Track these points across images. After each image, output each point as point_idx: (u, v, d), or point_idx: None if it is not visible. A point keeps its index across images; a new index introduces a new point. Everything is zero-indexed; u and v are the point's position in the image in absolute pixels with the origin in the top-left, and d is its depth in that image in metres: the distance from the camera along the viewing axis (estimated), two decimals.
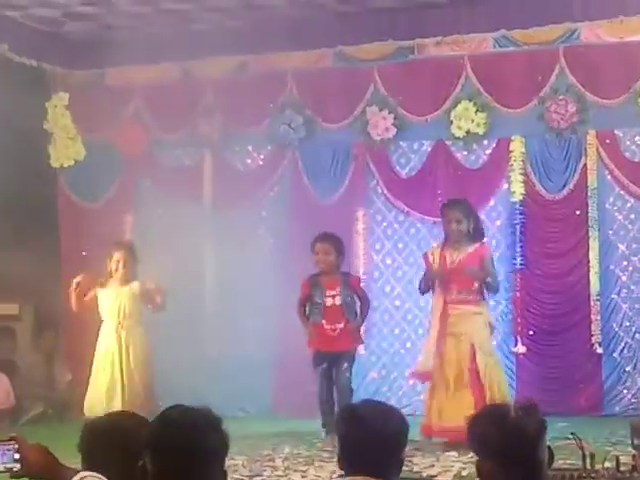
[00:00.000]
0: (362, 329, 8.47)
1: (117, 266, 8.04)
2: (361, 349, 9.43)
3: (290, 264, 9.60)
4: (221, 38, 9.65)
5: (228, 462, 6.71)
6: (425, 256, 7.88)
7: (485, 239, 7.99)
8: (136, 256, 8.19)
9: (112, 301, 8.06)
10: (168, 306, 8.95)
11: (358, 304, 8.07)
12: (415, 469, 6.41)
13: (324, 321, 7.90)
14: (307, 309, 8.06)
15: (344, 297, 7.91)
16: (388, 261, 9.69)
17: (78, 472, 2.82)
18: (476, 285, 7.59)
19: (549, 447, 2.90)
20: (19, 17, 9.44)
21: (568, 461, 5.50)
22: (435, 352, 7.51)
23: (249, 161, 10.16)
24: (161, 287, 8.16)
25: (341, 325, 7.88)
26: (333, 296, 7.91)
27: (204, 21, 9.67)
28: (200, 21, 9.67)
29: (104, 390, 7.96)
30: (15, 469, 2.85)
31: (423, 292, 7.98)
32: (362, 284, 8.62)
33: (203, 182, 10.14)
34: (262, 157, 10.10)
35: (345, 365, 7.86)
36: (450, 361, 7.44)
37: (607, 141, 9.15)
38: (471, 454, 6.46)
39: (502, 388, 7.54)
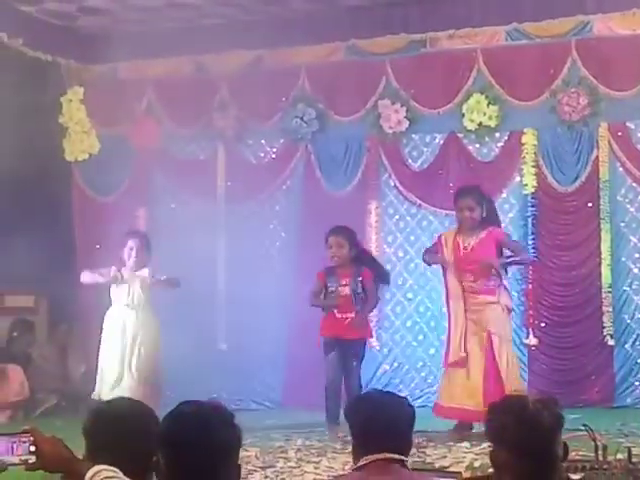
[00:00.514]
0: (372, 323, 8.53)
1: (130, 253, 8.18)
2: (373, 342, 9.51)
3: (302, 257, 9.65)
4: (234, 32, 9.69)
5: (241, 454, 6.78)
6: (439, 238, 7.88)
7: (501, 225, 7.97)
8: (150, 245, 8.34)
9: (123, 286, 8.20)
10: (180, 299, 9.06)
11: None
12: (427, 460, 6.44)
13: (336, 310, 7.94)
14: (322, 297, 8.08)
15: (353, 287, 7.94)
16: (400, 254, 9.72)
17: (93, 466, 2.85)
18: (489, 274, 7.60)
19: (564, 443, 2.92)
20: (34, 12, 9.49)
21: (580, 452, 5.52)
22: (452, 335, 7.59)
23: (262, 155, 10.19)
24: (172, 279, 8.27)
25: (352, 314, 7.91)
26: (344, 285, 7.96)
27: (218, 15, 9.70)
28: (214, 15, 9.71)
29: (114, 374, 8.07)
30: (30, 461, 2.88)
31: (425, 262, 8.10)
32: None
33: (216, 176, 10.19)
34: (275, 151, 10.13)
35: (354, 363, 7.86)
36: (471, 348, 7.48)
37: (619, 133, 9.16)
38: (483, 445, 6.56)
39: (518, 377, 7.63)
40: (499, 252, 7.66)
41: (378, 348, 9.56)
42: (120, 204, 10.16)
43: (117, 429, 3.01)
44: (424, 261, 8.16)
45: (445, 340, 7.83)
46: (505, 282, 7.79)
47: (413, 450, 6.55)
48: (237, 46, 9.85)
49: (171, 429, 2.66)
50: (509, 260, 7.73)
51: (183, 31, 9.83)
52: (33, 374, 9.63)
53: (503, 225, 9.29)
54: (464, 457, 6.44)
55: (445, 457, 6.53)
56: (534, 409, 2.88)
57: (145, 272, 8.24)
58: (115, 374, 8.08)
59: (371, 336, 8.48)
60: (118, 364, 8.09)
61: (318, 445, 7.25)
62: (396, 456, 3.24)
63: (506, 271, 7.84)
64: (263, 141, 10.17)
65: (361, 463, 3.27)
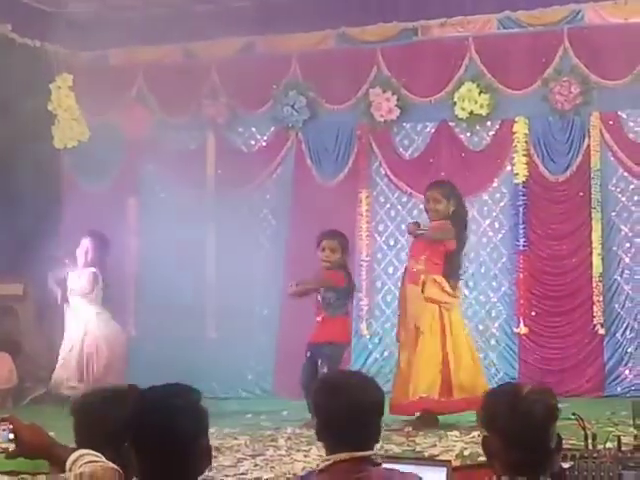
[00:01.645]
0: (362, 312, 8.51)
1: (81, 252, 8.67)
2: (364, 331, 9.50)
3: (292, 245, 9.63)
4: (225, 19, 9.65)
5: (231, 442, 6.76)
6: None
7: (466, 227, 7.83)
8: (105, 244, 8.79)
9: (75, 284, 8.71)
10: (170, 287, 9.17)
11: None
12: (417, 449, 6.44)
13: (315, 311, 7.90)
14: None
15: (322, 293, 7.79)
16: (391, 242, 9.70)
17: (74, 451, 2.84)
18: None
19: (558, 434, 2.89)
20: None
21: (570, 441, 5.51)
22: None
23: (252, 143, 10.16)
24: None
25: (319, 318, 7.83)
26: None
27: (208, 2, 9.66)
28: (204, 2, 9.67)
29: (73, 364, 8.57)
30: (10, 449, 2.86)
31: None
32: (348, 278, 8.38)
33: (206, 164, 10.15)
34: (265, 139, 10.09)
35: (319, 362, 7.66)
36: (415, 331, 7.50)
37: (610, 122, 9.15)
38: (473, 434, 6.55)
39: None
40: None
41: (369, 337, 9.55)
42: (110, 193, 10.12)
43: (101, 419, 3.04)
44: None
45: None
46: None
47: (402, 439, 6.64)
48: (228, 33, 9.80)
49: (136, 414, 2.70)
50: None
51: (173, 18, 9.78)
52: (22, 362, 9.60)
53: (494, 214, 9.35)
54: (454, 446, 6.43)
55: (435, 446, 6.52)
56: (528, 398, 2.86)
57: (92, 270, 8.70)
58: (75, 365, 8.57)
59: (345, 340, 8.08)
60: (76, 355, 8.58)
61: (308, 434, 7.22)
62: (361, 454, 3.07)
63: None
64: (253, 129, 10.14)
65: (324, 464, 3.11)
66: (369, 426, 3.13)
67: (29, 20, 9.54)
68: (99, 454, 2.80)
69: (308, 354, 7.80)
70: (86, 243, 8.69)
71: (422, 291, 7.43)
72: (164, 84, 10.08)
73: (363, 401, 3.10)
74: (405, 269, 7.83)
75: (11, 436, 2.83)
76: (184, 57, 10.17)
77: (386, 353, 9.56)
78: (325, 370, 7.58)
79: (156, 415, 2.64)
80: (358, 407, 3.08)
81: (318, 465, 3.24)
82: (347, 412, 3.07)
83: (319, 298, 7.84)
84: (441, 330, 7.41)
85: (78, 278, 8.72)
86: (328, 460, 3.10)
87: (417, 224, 7.73)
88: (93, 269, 8.69)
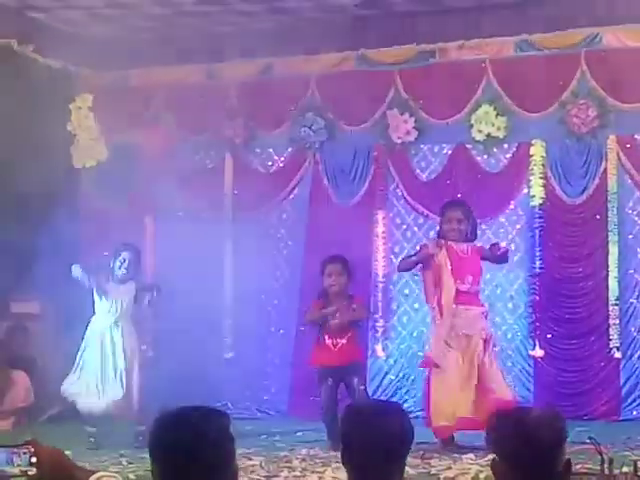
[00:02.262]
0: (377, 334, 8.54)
1: (122, 265, 8.25)
2: (379, 352, 9.50)
3: (309, 266, 9.65)
4: (244, 41, 9.72)
5: (245, 463, 6.77)
6: (424, 246, 7.84)
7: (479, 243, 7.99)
8: (140, 259, 8.45)
9: (109, 297, 8.24)
10: (187, 307, 9.09)
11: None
12: (432, 471, 6.43)
13: (326, 336, 7.84)
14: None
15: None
16: None
17: (94, 473, 2.84)
18: (480, 281, 7.75)
19: (568, 459, 2.88)
20: (44, 18, 9.52)
21: (586, 466, 5.50)
22: (445, 346, 7.51)
23: (270, 163, 10.20)
24: (155, 284, 8.43)
25: (344, 340, 7.82)
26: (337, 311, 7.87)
27: (228, 24, 9.72)
28: (224, 23, 9.73)
29: (92, 381, 8.11)
30: (31, 472, 2.86)
31: (401, 270, 8.26)
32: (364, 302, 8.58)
33: (224, 184, 10.19)
34: (283, 159, 10.13)
35: (356, 380, 7.72)
36: (458, 360, 7.44)
37: (627, 145, 9.15)
38: (489, 457, 6.52)
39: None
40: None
41: (384, 358, 9.54)
42: (127, 212, 10.15)
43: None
44: (399, 269, 8.28)
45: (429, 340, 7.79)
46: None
47: (417, 461, 6.62)
48: (247, 54, 9.87)
49: (162, 435, 2.60)
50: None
51: (192, 39, 9.85)
52: (38, 381, 9.63)
53: (510, 237, 9.36)
54: (469, 468, 6.42)
55: (450, 468, 6.51)
56: (535, 423, 2.84)
57: (131, 286, 8.29)
58: (95, 381, 8.11)
59: (365, 358, 8.31)
60: (99, 371, 8.12)
61: (322, 455, 7.24)
62: None
63: None
64: (271, 150, 10.18)
65: None
66: (395, 461, 3.01)
67: (51, 41, 9.62)
68: (118, 476, 2.80)
69: (330, 381, 7.75)
70: (124, 255, 8.26)
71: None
72: (183, 104, 10.14)
73: (393, 433, 2.98)
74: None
75: (33, 460, 2.84)
76: (203, 78, 10.21)
77: (402, 374, 9.56)
78: (362, 389, 7.71)
79: (184, 436, 2.55)
80: (387, 439, 2.97)
81: None
82: (374, 443, 2.95)
83: (339, 320, 7.84)
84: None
85: (119, 290, 8.24)
86: None
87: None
88: (134, 284, 8.30)
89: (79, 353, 8.23)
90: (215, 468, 2.56)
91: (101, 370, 8.10)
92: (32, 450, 2.82)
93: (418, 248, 8.02)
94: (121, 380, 8.05)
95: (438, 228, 8.03)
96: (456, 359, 7.43)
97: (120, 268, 8.23)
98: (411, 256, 8.02)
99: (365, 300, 8.53)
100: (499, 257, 7.81)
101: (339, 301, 7.87)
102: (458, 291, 7.54)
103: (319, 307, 7.97)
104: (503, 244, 8.31)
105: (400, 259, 8.31)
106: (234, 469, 2.64)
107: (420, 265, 7.77)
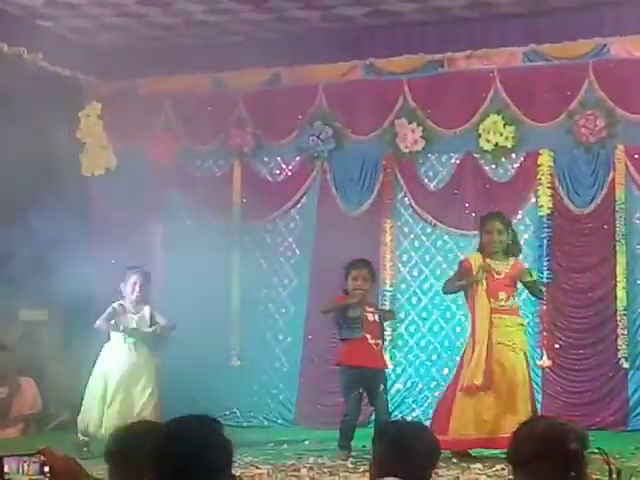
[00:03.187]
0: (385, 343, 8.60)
1: (134, 288, 8.21)
2: (387, 360, 9.49)
3: (317, 275, 9.67)
4: (253, 50, 9.74)
5: (253, 471, 6.77)
6: (464, 262, 7.80)
7: (520, 256, 7.98)
8: (150, 281, 8.40)
9: (125, 325, 8.18)
10: (194, 315, 9.09)
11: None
12: None
13: (368, 335, 7.79)
14: (340, 323, 7.97)
15: (380, 314, 7.98)
16: (415, 273, 9.70)
17: None
18: (516, 295, 7.76)
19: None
20: (53, 27, 9.55)
21: (594, 476, 5.49)
22: (469, 358, 7.47)
23: (278, 172, 10.21)
24: (170, 323, 8.34)
25: (381, 341, 7.93)
26: (372, 313, 7.89)
27: (236, 33, 9.75)
28: (232, 33, 9.75)
29: (113, 413, 7.96)
30: None
31: (448, 293, 8.17)
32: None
33: (232, 192, 10.21)
34: (291, 168, 10.15)
35: (382, 387, 7.78)
36: (504, 370, 7.40)
37: (635, 156, 9.14)
38: (496, 467, 6.53)
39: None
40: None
41: (392, 367, 9.54)
42: (136, 220, 10.17)
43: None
44: (445, 292, 8.18)
45: (464, 362, 7.61)
46: None
47: None
48: (255, 63, 9.88)
49: (158, 447, 2.61)
50: None
51: (201, 48, 9.87)
52: (46, 388, 9.65)
53: None
54: (477, 479, 6.41)
55: (458, 478, 6.51)
56: (559, 437, 2.86)
57: (146, 310, 8.27)
58: (117, 409, 7.96)
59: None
60: (120, 399, 7.99)
61: (330, 464, 7.24)
62: None
63: None
64: (279, 158, 10.19)
65: None
66: (424, 472, 3.33)
67: (60, 49, 9.65)
68: None
69: (360, 388, 7.73)
70: (135, 278, 8.22)
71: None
72: (191, 113, 10.18)
73: (420, 451, 3.31)
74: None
75: (45, 469, 2.84)
76: (211, 87, 10.24)
77: (409, 384, 9.55)
78: (388, 404, 7.84)
79: (179, 449, 2.55)
80: (420, 456, 3.30)
81: None
82: (404, 459, 3.26)
83: (378, 320, 7.91)
84: None
85: (133, 315, 8.22)
86: None
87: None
88: (148, 310, 8.28)
89: (92, 384, 8.10)
90: (210, 475, 2.57)
91: (124, 406, 7.96)
92: (43, 459, 2.83)
93: (459, 266, 7.88)
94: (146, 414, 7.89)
95: (478, 241, 7.93)
96: (496, 373, 7.38)
97: (133, 292, 8.21)
98: (460, 280, 7.76)
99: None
100: (535, 289, 7.85)
101: (365, 303, 7.88)
102: (492, 308, 7.52)
103: (340, 300, 7.93)
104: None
105: (445, 282, 8.11)
106: (230, 475, 2.65)
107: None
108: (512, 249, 7.77)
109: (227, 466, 2.64)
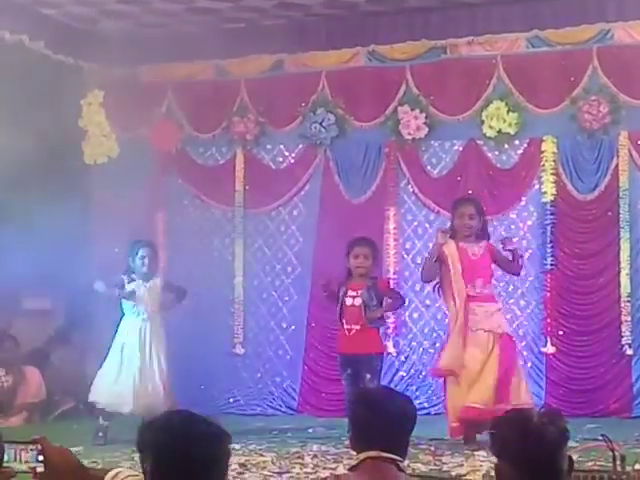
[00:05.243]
0: (389, 330, 8.52)
1: (143, 261, 8.18)
2: (390, 348, 9.48)
3: (320, 262, 9.66)
4: (255, 37, 9.72)
5: (257, 459, 6.77)
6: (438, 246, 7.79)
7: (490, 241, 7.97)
8: (157, 253, 8.41)
9: (137, 299, 8.17)
10: (198, 303, 9.08)
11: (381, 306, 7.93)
12: (444, 468, 6.44)
13: (344, 321, 7.80)
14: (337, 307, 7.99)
15: (365, 298, 7.75)
16: (418, 260, 9.66)
17: (104, 474, 2.84)
18: (493, 280, 7.84)
19: (570, 457, 2.90)
20: (55, 14, 9.53)
21: (598, 463, 5.50)
22: (460, 348, 7.52)
23: (281, 159, 10.19)
24: (181, 289, 8.38)
25: (357, 327, 7.73)
26: (353, 297, 7.79)
27: (238, 20, 9.72)
28: (234, 20, 9.73)
29: (127, 381, 8.01)
30: (39, 470, 2.86)
31: (426, 280, 8.09)
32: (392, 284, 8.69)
33: (235, 180, 10.20)
34: (294, 156, 10.13)
35: (368, 377, 7.55)
36: (475, 356, 7.46)
37: (639, 142, 9.12)
38: None
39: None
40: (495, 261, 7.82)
41: (395, 355, 9.54)
42: (138, 208, 10.15)
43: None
44: (424, 280, 8.18)
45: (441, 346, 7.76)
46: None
47: (429, 458, 6.63)
48: (257, 51, 9.87)
49: (154, 438, 2.63)
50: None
51: (204, 36, 9.83)
52: (50, 376, 9.66)
53: (521, 233, 9.34)
54: (481, 465, 6.42)
55: (462, 465, 6.52)
56: (538, 423, 2.86)
57: (157, 282, 8.26)
58: (130, 379, 8.00)
59: (381, 350, 8.05)
60: (133, 370, 8.03)
61: (334, 451, 7.25)
62: (390, 455, 3.26)
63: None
64: (282, 146, 10.18)
65: (355, 462, 3.33)
66: (399, 438, 3.36)
67: (62, 37, 9.64)
68: (136, 472, 2.80)
69: (349, 371, 7.71)
70: (143, 252, 8.17)
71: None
72: (194, 101, 10.16)
73: (391, 412, 3.33)
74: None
75: (40, 458, 2.84)
76: (214, 74, 10.22)
77: (412, 371, 9.56)
78: (375, 383, 7.54)
79: (174, 441, 2.57)
80: (386, 417, 3.31)
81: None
82: (383, 423, 3.29)
83: (357, 304, 7.76)
84: None
85: (145, 290, 8.17)
86: (358, 459, 3.30)
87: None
88: (159, 280, 8.27)
89: (109, 356, 8.13)
90: (210, 468, 2.59)
91: (139, 374, 8.00)
92: (39, 448, 2.83)
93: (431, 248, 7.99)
94: (159, 381, 7.99)
95: (449, 224, 8.00)
96: (472, 356, 7.43)
97: (143, 266, 8.17)
98: (426, 258, 7.97)
99: (388, 283, 8.44)
100: (512, 265, 7.84)
101: (363, 283, 7.82)
102: (469, 295, 7.55)
103: (335, 284, 7.91)
104: (515, 240, 8.31)
105: (420, 270, 8.20)
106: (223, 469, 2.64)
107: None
108: (482, 235, 7.79)
109: (220, 467, 2.63)
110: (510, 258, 7.80)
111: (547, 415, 2.89)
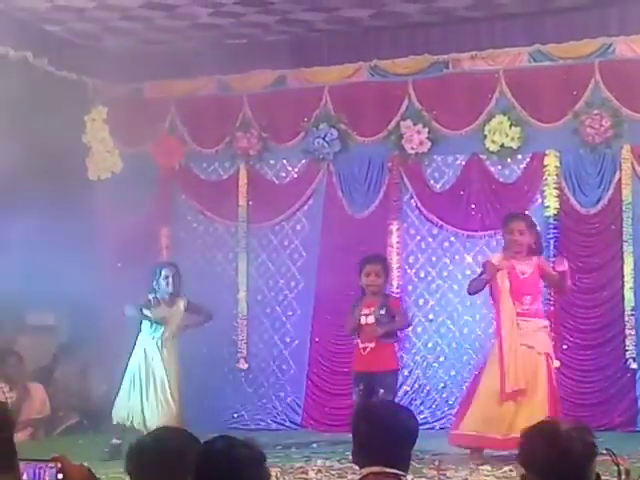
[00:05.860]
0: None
1: (167, 282, 8.21)
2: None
3: (323, 277, 9.66)
4: (258, 52, 9.76)
5: None
6: (487, 261, 7.76)
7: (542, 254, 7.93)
8: (180, 274, 8.38)
9: (158, 315, 8.21)
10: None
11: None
12: None
13: (358, 340, 7.84)
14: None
15: (377, 315, 7.77)
16: (422, 274, 9.69)
17: None
18: (541, 298, 7.76)
19: (597, 473, 2.89)
20: (59, 31, 9.57)
21: (603, 477, 5.48)
22: (507, 364, 7.40)
23: (284, 174, 10.21)
24: (207, 312, 8.48)
25: (371, 344, 7.75)
26: (367, 315, 7.81)
27: (241, 36, 9.75)
28: (237, 35, 9.76)
29: (140, 400, 8.06)
30: None
31: (473, 293, 8.00)
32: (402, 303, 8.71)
33: (238, 195, 10.21)
34: (297, 170, 10.15)
35: (381, 391, 7.57)
36: (524, 371, 7.38)
37: None
38: (504, 469, 6.51)
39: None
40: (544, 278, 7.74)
41: (399, 369, 9.52)
42: (142, 223, 10.17)
43: (161, 463, 3.02)
44: (469, 292, 8.07)
45: (499, 369, 7.46)
46: None
47: (434, 472, 6.61)
48: (260, 66, 9.91)
49: (202, 465, 2.70)
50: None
51: (207, 51, 9.87)
52: (54, 392, 9.66)
53: None
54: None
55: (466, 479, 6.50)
56: (566, 436, 2.85)
57: (180, 305, 8.29)
58: (143, 399, 8.07)
59: (395, 367, 8.03)
60: (148, 390, 8.09)
61: (338, 466, 7.23)
62: (393, 470, 3.25)
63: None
64: (285, 161, 10.20)
65: (358, 478, 3.32)
66: (399, 450, 3.35)
67: (66, 53, 9.68)
68: None
69: (361, 386, 7.70)
70: (166, 272, 8.23)
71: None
72: (197, 116, 10.19)
73: (394, 426, 3.34)
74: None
75: (60, 476, 2.84)
76: (217, 90, 10.26)
77: (416, 385, 9.54)
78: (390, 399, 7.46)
79: (223, 467, 2.66)
80: (395, 434, 3.32)
81: None
82: (386, 438, 3.29)
83: (370, 322, 7.75)
84: None
85: (169, 313, 8.24)
86: (361, 474, 3.30)
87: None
88: (183, 302, 8.31)
89: (127, 373, 8.17)
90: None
91: (155, 392, 8.05)
92: (59, 466, 2.83)
93: (482, 266, 7.89)
94: (172, 401, 8.03)
95: (502, 241, 7.92)
96: (511, 373, 7.35)
97: (167, 285, 8.20)
98: (480, 274, 7.81)
99: (399, 303, 8.45)
100: (560, 283, 7.75)
101: (376, 300, 7.83)
102: (516, 312, 7.49)
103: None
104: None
105: (469, 281, 8.07)
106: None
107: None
108: (535, 250, 7.70)
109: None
110: (558, 277, 7.67)
111: (576, 429, 2.88)
